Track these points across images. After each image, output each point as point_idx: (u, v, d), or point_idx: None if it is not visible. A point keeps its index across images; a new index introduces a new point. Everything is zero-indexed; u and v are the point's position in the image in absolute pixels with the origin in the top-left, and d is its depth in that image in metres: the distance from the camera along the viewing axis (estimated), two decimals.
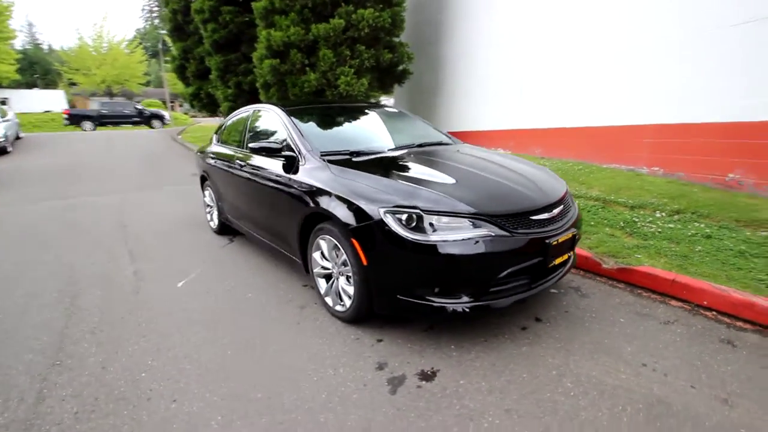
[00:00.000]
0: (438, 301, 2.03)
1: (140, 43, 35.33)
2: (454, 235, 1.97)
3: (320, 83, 8.70)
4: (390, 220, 2.04)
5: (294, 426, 1.68)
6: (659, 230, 3.46)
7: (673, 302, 2.55)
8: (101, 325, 2.62)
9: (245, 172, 3.39)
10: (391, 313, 2.25)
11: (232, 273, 3.40)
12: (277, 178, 2.88)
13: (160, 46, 27.77)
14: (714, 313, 2.39)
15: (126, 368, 2.13)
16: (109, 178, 8.71)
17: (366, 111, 3.73)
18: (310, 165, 2.66)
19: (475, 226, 2.00)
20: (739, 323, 2.28)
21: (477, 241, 1.97)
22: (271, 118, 3.35)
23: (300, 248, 2.75)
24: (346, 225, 2.22)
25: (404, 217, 2.03)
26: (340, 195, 2.29)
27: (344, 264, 2.37)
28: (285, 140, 2.95)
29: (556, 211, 2.27)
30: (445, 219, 2.00)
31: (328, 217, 2.40)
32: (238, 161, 3.53)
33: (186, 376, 2.05)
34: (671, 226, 3.52)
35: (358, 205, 2.17)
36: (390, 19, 8.81)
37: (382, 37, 9.30)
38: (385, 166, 2.54)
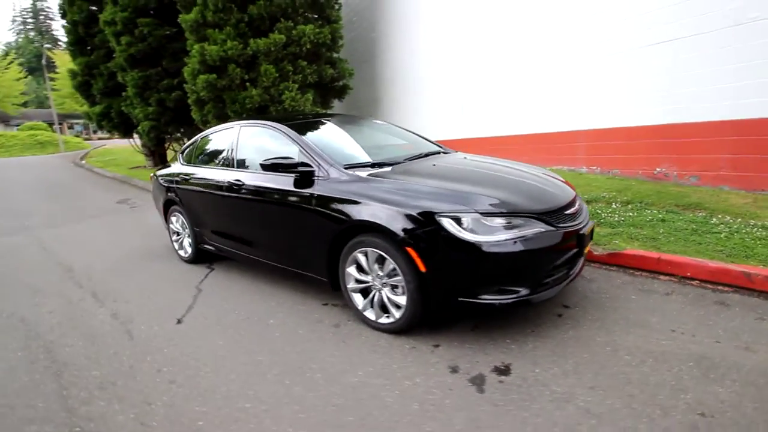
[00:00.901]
0: (498, 298, 2.13)
1: (14, 59, 30.53)
2: (511, 234, 2.10)
3: (263, 99, 8.42)
4: (449, 225, 2.10)
5: None
6: (622, 219, 4.00)
7: (662, 277, 2.97)
8: (108, 377, 2.24)
9: (240, 192, 3.17)
10: (447, 315, 2.29)
11: (234, 301, 3.13)
12: (293, 196, 2.76)
13: (43, 61, 24.25)
14: (697, 281, 2.84)
15: (174, 421, 1.86)
16: (11, 214, 7.39)
17: (358, 123, 3.74)
18: (336, 178, 2.60)
19: (527, 224, 2.15)
20: (720, 287, 2.74)
21: (532, 238, 2.12)
22: (269, 134, 3.19)
23: (328, 265, 2.66)
24: (397, 234, 2.22)
25: (463, 220, 2.10)
26: (387, 205, 2.29)
27: (390, 275, 2.36)
28: (292, 156, 2.83)
29: (577, 205, 2.53)
30: (499, 219, 2.12)
31: (370, 228, 2.38)
32: (228, 182, 3.28)
33: (253, 415, 1.86)
34: (630, 214, 4.08)
35: (411, 213, 2.19)
36: (330, 36, 8.89)
37: (324, 53, 9.34)
38: (417, 174, 2.59)
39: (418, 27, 9.19)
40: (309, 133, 3.05)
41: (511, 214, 2.15)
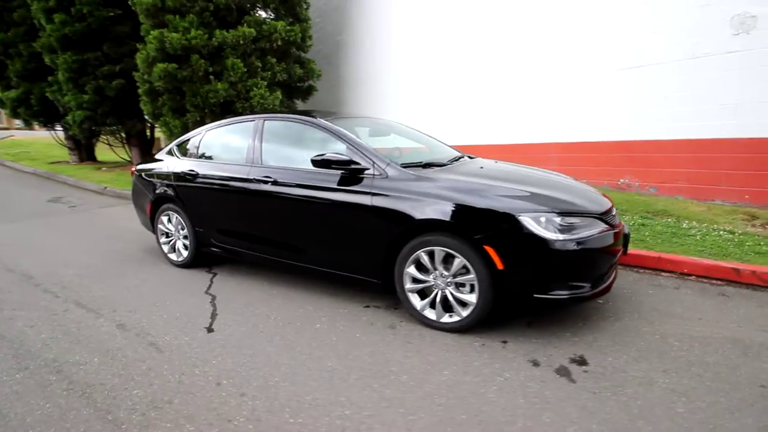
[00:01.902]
0: (569, 293, 2.26)
1: None
2: (585, 233, 2.24)
3: (229, 94, 7.95)
4: (531, 223, 2.18)
5: None
6: None
7: (664, 274, 3.35)
8: (158, 396, 1.95)
9: (267, 190, 2.98)
10: (521, 311, 2.37)
11: (261, 306, 2.92)
12: (344, 195, 2.66)
13: None
14: (694, 276, 3.25)
15: None
16: None
17: (377, 123, 3.70)
18: (396, 176, 2.56)
19: (593, 223, 2.31)
20: (714, 281, 3.16)
21: (599, 237, 2.28)
22: (305, 129, 3.04)
23: (383, 266, 2.60)
24: (475, 233, 2.26)
25: (543, 219, 2.20)
26: (464, 204, 2.31)
27: (457, 274, 2.38)
28: (338, 153, 2.73)
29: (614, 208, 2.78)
30: (572, 219, 2.26)
31: (438, 227, 2.39)
32: (252, 178, 3.05)
33: (359, 422, 1.74)
34: None
35: (492, 211, 2.24)
36: (301, 34, 8.68)
37: (293, 52, 9.08)
38: (474, 175, 2.64)
39: (390, 32, 9.30)
40: (349, 131, 2.96)
41: (582, 213, 2.30)
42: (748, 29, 4.33)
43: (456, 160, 3.18)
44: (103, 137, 11.36)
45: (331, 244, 2.81)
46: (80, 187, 9.03)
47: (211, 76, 8.02)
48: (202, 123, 8.57)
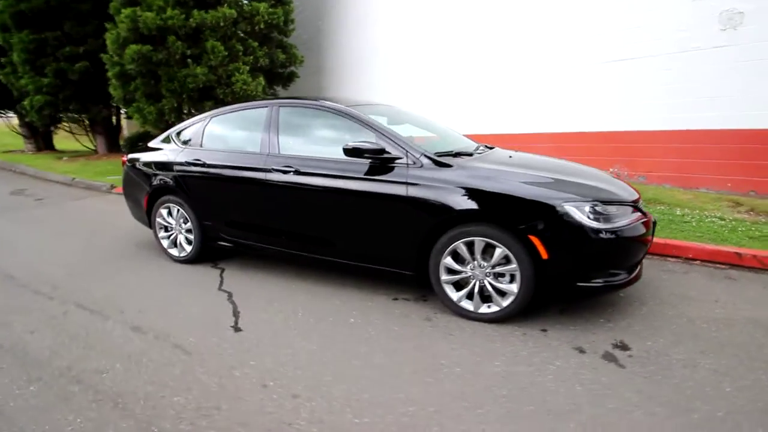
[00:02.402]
0: (609, 281, 2.30)
1: None
2: (624, 221, 2.27)
3: (209, 79, 7.53)
4: (576, 213, 2.19)
5: (600, 421, 1.66)
6: None
7: (670, 259, 3.51)
8: (203, 402, 1.82)
9: (288, 179, 2.84)
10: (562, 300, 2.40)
11: (286, 302, 2.80)
12: (375, 184, 2.57)
13: None
14: (699, 261, 3.42)
15: None
16: None
17: (393, 110, 3.60)
18: (430, 166, 2.50)
19: (629, 212, 2.35)
20: (718, 265, 3.34)
21: (636, 225, 2.32)
22: (326, 117, 2.91)
23: (418, 258, 2.55)
24: (520, 222, 2.24)
25: (587, 208, 2.21)
26: (507, 194, 2.28)
27: (497, 264, 2.36)
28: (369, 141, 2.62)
29: None
30: (612, 208, 2.28)
31: (477, 218, 2.36)
32: (270, 167, 2.90)
33: (426, 417, 1.70)
34: None
35: (537, 201, 2.23)
36: (283, 17, 8.34)
37: (275, 36, 8.72)
38: (509, 164, 2.62)
39: (375, 18, 9.08)
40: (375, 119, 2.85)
41: (620, 202, 2.33)
42: (735, 25, 4.55)
43: (478, 150, 3.14)
44: (64, 124, 10.52)
45: (362, 236, 2.72)
46: (43, 179, 8.33)
47: (189, 60, 7.57)
48: (179, 110, 8.11)
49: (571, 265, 2.25)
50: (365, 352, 2.20)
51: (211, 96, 7.99)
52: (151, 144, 3.75)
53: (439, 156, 2.57)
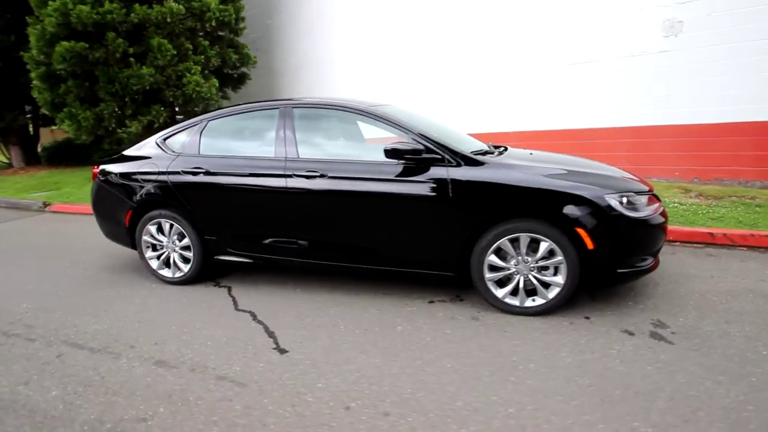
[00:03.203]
0: (640, 266, 2.46)
1: None
2: (650, 209, 2.45)
3: (157, 80, 6.88)
4: (617, 204, 2.32)
5: (683, 395, 1.77)
6: None
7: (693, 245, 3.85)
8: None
9: (318, 187, 2.68)
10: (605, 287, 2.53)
11: (321, 317, 2.64)
12: (416, 187, 2.52)
13: None
14: (679, 242, 3.81)
15: None
16: None
17: (399, 111, 3.54)
18: (469, 166, 2.48)
19: (653, 200, 2.55)
20: (694, 245, 3.75)
21: (662, 212, 2.52)
22: (350, 119, 2.78)
23: (461, 258, 2.53)
24: (567, 216, 2.32)
25: (625, 200, 2.35)
26: (553, 189, 2.35)
27: (543, 258, 2.42)
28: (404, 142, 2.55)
29: None
30: (643, 198, 2.45)
31: (523, 213, 2.40)
32: (293, 174, 2.70)
33: (533, 417, 1.68)
34: None
35: (580, 195, 2.32)
36: (234, 15, 7.87)
37: (226, 35, 8.19)
38: (539, 161, 2.69)
39: (332, 16, 8.90)
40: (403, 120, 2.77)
41: (647, 193, 2.51)
42: (676, 32, 5.16)
43: (499, 149, 3.18)
44: None
45: (402, 240, 2.63)
46: None
47: (132, 59, 6.83)
48: (121, 114, 7.28)
49: (613, 253, 2.38)
50: (432, 359, 2.13)
51: (158, 99, 7.29)
52: (128, 153, 3.30)
53: (477, 155, 2.59)
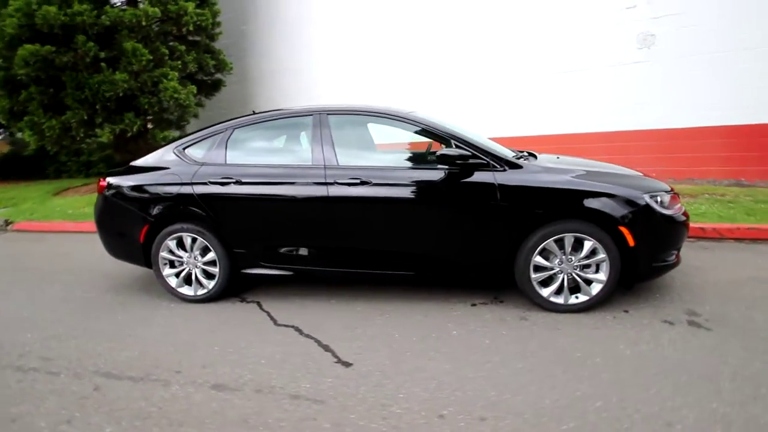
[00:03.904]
0: (669, 261, 2.64)
1: None
2: (677, 207, 2.65)
3: (131, 87, 6.47)
4: (653, 204, 2.48)
5: (742, 375, 1.91)
6: None
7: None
8: None
9: (363, 194, 2.65)
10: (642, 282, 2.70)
11: (370, 326, 2.60)
12: (464, 191, 2.58)
13: None
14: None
15: None
16: None
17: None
18: (514, 170, 2.56)
19: (676, 199, 2.74)
20: (688, 239, 4.07)
21: (684, 210, 2.72)
22: (386, 124, 2.76)
23: (505, 260, 2.59)
24: (612, 216, 2.44)
25: (659, 199, 2.52)
26: (598, 191, 2.47)
27: (586, 257, 2.52)
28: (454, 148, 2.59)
29: None
30: (667, 197, 2.64)
31: (569, 215, 2.51)
32: (334, 182, 2.65)
33: (621, 408, 1.74)
34: None
35: (623, 196, 2.46)
36: (211, 19, 7.60)
37: (203, 40, 7.86)
38: (570, 164, 2.82)
39: (310, 20, 8.79)
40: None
41: (670, 192, 2.71)
42: (649, 45, 5.62)
43: (531, 154, 3.28)
44: None
45: (450, 245, 2.65)
46: None
47: (103, 64, 6.38)
48: (91, 123, 6.75)
49: (650, 249, 2.54)
50: (501, 361, 2.16)
51: (131, 106, 6.85)
52: (138, 164, 3.07)
53: (518, 159, 2.67)
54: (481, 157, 2.58)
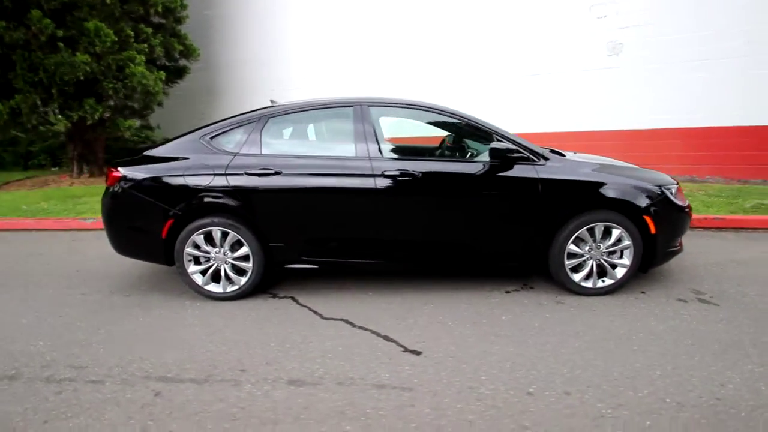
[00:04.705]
0: (676, 247, 2.97)
1: None
2: (683, 198, 2.98)
3: (93, 69, 5.88)
4: (669, 195, 2.78)
5: (760, 341, 2.21)
6: None
7: None
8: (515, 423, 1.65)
9: (412, 186, 2.69)
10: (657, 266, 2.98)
11: (421, 315, 2.66)
12: (510, 184, 2.71)
13: None
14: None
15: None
16: None
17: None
18: (550, 164, 2.73)
19: (680, 191, 3.08)
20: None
21: (688, 202, 3.07)
22: (425, 118, 2.79)
23: (542, 248, 2.76)
24: (639, 206, 2.70)
25: (673, 190, 2.82)
26: (626, 184, 2.71)
27: (614, 244, 2.77)
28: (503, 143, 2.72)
29: None
30: (674, 188, 2.96)
31: (601, 205, 2.73)
32: (381, 174, 2.66)
33: (685, 378, 1.95)
34: None
35: (648, 189, 2.73)
36: (179, 1, 7.11)
37: (168, 23, 7.31)
38: (591, 159, 3.06)
39: (286, 14, 8.51)
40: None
41: (677, 184, 3.04)
42: (617, 52, 6.16)
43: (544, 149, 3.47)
44: None
45: (494, 235, 2.77)
46: None
47: (61, 44, 5.71)
48: (44, 108, 5.99)
49: (666, 236, 2.84)
50: (558, 342, 2.31)
51: (92, 92, 6.21)
52: (156, 153, 2.83)
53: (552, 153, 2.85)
54: (521, 152, 2.73)
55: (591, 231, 2.77)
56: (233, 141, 2.81)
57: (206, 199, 2.71)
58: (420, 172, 2.69)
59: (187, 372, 2.10)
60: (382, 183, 2.67)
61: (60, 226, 4.95)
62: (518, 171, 2.72)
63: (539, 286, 3.03)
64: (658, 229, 2.77)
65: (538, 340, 2.34)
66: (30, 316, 2.74)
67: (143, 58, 6.34)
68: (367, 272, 3.22)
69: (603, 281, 2.86)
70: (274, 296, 2.97)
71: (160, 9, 6.51)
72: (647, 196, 2.76)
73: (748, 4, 5.46)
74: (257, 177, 2.70)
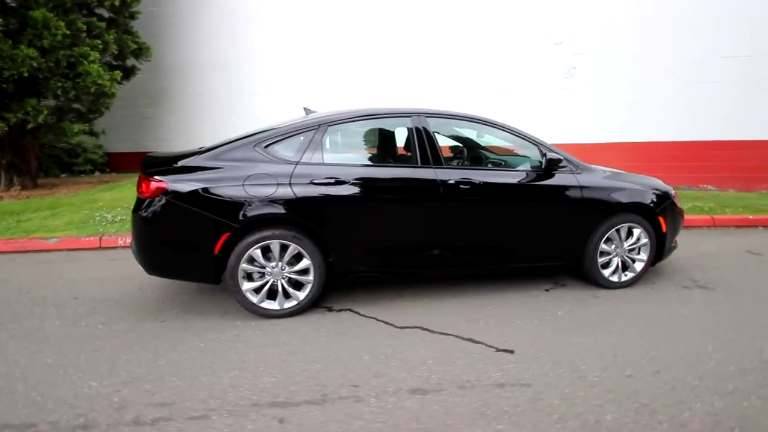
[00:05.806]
0: (674, 244, 3.48)
1: None
2: (677, 201, 3.51)
3: (41, 65, 5.11)
4: (675, 198, 3.26)
5: (760, 314, 2.70)
6: None
7: None
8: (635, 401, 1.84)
9: (474, 195, 2.82)
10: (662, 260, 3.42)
11: (481, 316, 2.79)
12: (556, 191, 2.98)
13: None
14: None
15: None
16: None
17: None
18: (586, 172, 3.05)
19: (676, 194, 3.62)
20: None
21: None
22: (478, 130, 2.96)
23: (578, 250, 3.07)
24: (654, 208, 3.12)
25: (674, 194, 3.31)
26: (641, 189, 3.12)
27: (635, 242, 3.16)
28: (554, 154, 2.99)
29: None
30: (673, 192, 3.47)
31: (627, 209, 3.10)
32: (444, 182, 2.74)
33: (728, 353, 2.32)
34: None
35: (661, 192, 3.17)
36: None
37: (120, 19, 6.60)
38: (602, 167, 3.44)
39: (250, 15, 8.13)
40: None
41: (674, 189, 3.56)
42: (572, 75, 6.97)
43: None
44: None
45: (544, 238, 3.00)
46: None
47: (7, 38, 4.83)
48: None
49: (671, 234, 3.33)
50: (618, 330, 2.58)
51: (35, 91, 5.35)
52: (200, 162, 2.57)
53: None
54: (561, 161, 3.02)
55: (618, 231, 3.15)
56: (292, 149, 2.68)
57: (270, 211, 2.55)
58: (478, 180, 2.84)
59: (297, 395, 1.97)
60: (446, 191, 2.77)
61: (11, 247, 4.17)
62: (560, 179, 3.00)
63: (570, 283, 3.33)
64: (668, 228, 3.25)
65: (603, 329, 2.59)
66: (52, 354, 2.31)
67: (97, 55, 5.64)
68: (414, 280, 3.26)
69: (626, 275, 3.25)
70: (330, 310, 2.87)
71: (117, 3, 5.86)
72: (660, 200, 3.22)
73: (672, 37, 6.60)
74: (323, 186, 2.61)
